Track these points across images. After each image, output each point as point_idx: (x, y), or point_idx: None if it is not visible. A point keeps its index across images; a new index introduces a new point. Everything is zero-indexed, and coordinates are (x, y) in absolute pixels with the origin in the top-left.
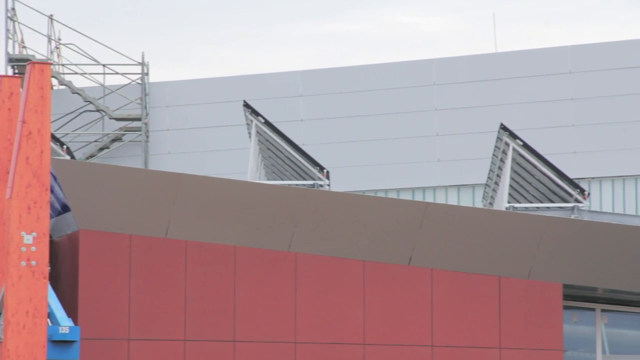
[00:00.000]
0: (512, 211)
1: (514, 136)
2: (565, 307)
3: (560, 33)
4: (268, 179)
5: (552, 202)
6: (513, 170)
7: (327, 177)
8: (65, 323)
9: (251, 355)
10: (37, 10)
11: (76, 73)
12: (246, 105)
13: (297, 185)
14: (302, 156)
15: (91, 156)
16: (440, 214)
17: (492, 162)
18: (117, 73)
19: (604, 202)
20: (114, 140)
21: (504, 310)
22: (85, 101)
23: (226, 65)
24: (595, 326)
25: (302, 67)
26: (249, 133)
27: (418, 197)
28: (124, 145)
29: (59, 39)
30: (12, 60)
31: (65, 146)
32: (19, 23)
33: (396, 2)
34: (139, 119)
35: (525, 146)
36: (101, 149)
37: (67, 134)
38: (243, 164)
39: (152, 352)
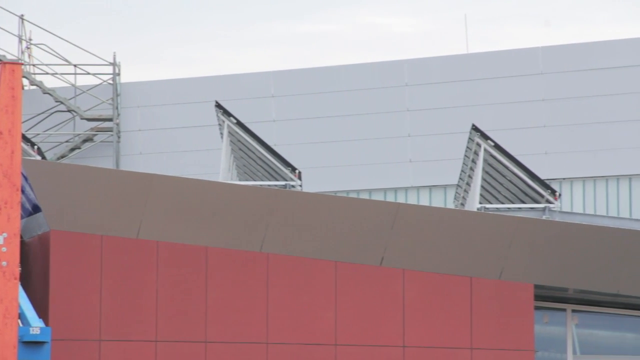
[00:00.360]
0: (484, 212)
1: (485, 137)
2: (536, 308)
3: (532, 33)
4: (240, 180)
5: (523, 202)
6: (484, 171)
7: (299, 178)
8: (36, 324)
9: (223, 356)
10: (7, 10)
11: (47, 73)
12: (218, 106)
13: (269, 185)
14: (274, 157)
15: (62, 156)
16: (412, 214)
17: (463, 163)
18: (88, 73)
19: (575, 203)
20: (85, 141)
21: (475, 311)
22: (57, 101)
23: (198, 65)
24: (566, 326)
25: (274, 68)
26: (221, 133)
27: (390, 198)
28: (95, 146)
29: (30, 39)
30: None
31: (36, 146)
32: None
33: (368, 3)
34: (110, 120)
35: (497, 147)
36: (72, 150)
37: (38, 134)
38: (215, 164)
39: (124, 353)
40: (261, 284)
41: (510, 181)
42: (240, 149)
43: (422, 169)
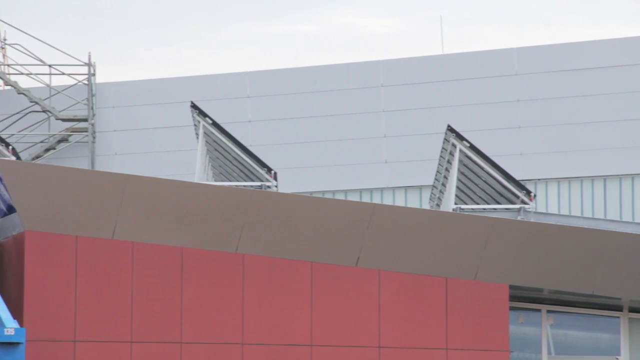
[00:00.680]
0: (459, 212)
1: (460, 138)
2: (512, 308)
3: (505, 34)
4: (216, 180)
5: (498, 203)
6: (460, 172)
7: (275, 179)
8: (10, 325)
9: (198, 357)
10: None
11: (22, 73)
12: (194, 106)
13: (244, 186)
14: (250, 157)
15: (37, 157)
16: (387, 215)
17: (439, 164)
18: (63, 74)
19: (550, 204)
20: (60, 141)
21: (451, 311)
22: (31, 102)
23: (174, 66)
24: (541, 327)
25: (249, 69)
26: (197, 134)
27: (365, 199)
28: (71, 146)
29: (4, 39)
30: None
31: (10, 147)
32: None
33: (343, 4)
34: (85, 120)
35: (472, 148)
36: (47, 150)
37: (13, 134)
38: (191, 165)
39: (98, 353)
40: (237, 284)
41: (485, 182)
42: (216, 150)
43: (397, 170)
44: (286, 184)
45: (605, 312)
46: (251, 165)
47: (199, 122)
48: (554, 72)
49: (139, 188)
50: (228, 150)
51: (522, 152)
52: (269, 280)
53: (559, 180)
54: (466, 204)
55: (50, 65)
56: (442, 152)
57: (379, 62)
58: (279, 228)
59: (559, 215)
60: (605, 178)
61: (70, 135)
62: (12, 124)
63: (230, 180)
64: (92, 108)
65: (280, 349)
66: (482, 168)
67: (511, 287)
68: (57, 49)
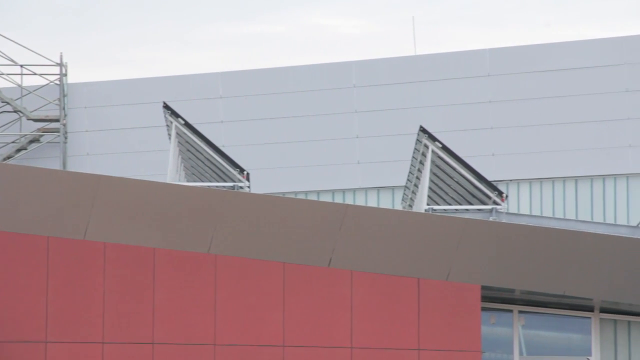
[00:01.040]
0: (431, 213)
1: (433, 138)
2: (483, 309)
3: (477, 35)
4: (188, 181)
5: (470, 204)
6: (432, 173)
7: (247, 179)
8: None
9: (170, 357)
10: None
11: None
12: (166, 107)
13: (217, 187)
14: (222, 158)
15: (8, 157)
16: (360, 215)
17: (411, 164)
18: (35, 74)
19: (522, 205)
20: (31, 142)
21: (423, 312)
22: (3, 102)
23: (146, 66)
24: (513, 327)
25: (222, 69)
26: (169, 134)
27: (338, 199)
28: (42, 147)
29: None
30: None
31: None
32: None
33: (315, 5)
34: (57, 120)
35: (445, 148)
36: (19, 150)
37: None
38: (163, 165)
39: (70, 354)
40: (209, 285)
41: (457, 182)
42: (188, 150)
43: (370, 171)
44: (258, 185)
45: (577, 312)
46: (223, 166)
47: (171, 122)
48: (526, 73)
49: (110, 189)
50: (200, 150)
51: (494, 152)
52: (241, 280)
53: (530, 181)
54: (438, 204)
55: (21, 66)
56: (414, 153)
57: (352, 63)
58: (251, 228)
59: (530, 216)
60: (576, 179)
61: (41, 135)
62: None
63: (202, 181)
64: (63, 108)
65: (253, 349)
66: (454, 169)
67: (483, 287)
68: (28, 49)
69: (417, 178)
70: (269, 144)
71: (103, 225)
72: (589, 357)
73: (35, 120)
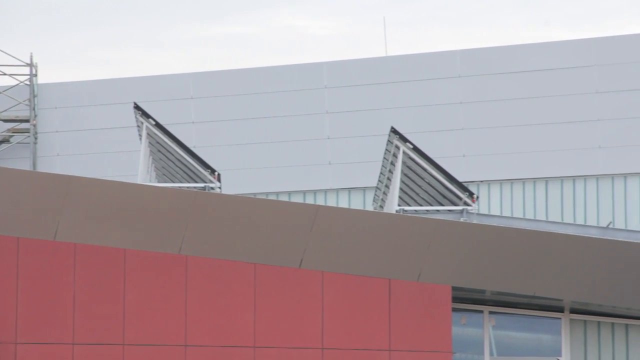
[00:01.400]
0: (402, 214)
1: (404, 139)
2: (454, 310)
3: (448, 36)
4: (159, 182)
5: (441, 205)
6: (403, 174)
7: (219, 180)
8: None
9: (141, 358)
10: None
11: None
12: (137, 107)
13: (188, 187)
14: (193, 158)
15: None
16: (331, 216)
17: (382, 165)
18: (4, 74)
19: (493, 205)
20: (1, 142)
21: (394, 313)
22: None
23: (117, 67)
24: (483, 328)
25: (193, 70)
26: (140, 135)
27: (309, 200)
28: (12, 147)
29: None
30: None
31: None
32: None
33: (285, 6)
34: (27, 121)
35: (416, 149)
36: None
37: None
38: (134, 166)
39: (40, 356)
40: (180, 286)
41: (428, 183)
42: (159, 151)
43: (341, 171)
44: (230, 186)
45: (547, 313)
46: (194, 167)
47: (142, 123)
48: (497, 75)
49: (81, 189)
50: (171, 151)
51: (465, 154)
52: (212, 281)
53: (501, 182)
54: (409, 205)
55: None
56: (385, 153)
57: (323, 64)
58: (222, 229)
59: (501, 216)
60: (547, 180)
61: (11, 136)
62: None
63: (173, 182)
64: (33, 109)
65: (224, 350)
66: (425, 170)
67: (454, 288)
68: None
69: (388, 179)
70: (240, 144)
71: (73, 226)
72: (559, 358)
73: (5, 121)
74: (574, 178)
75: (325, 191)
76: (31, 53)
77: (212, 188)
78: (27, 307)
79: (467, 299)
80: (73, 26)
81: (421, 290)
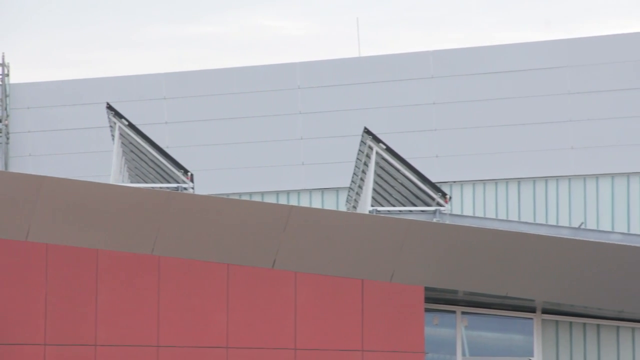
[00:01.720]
0: (375, 215)
1: (377, 140)
2: (427, 310)
3: (421, 37)
4: (131, 182)
5: (414, 205)
6: (376, 174)
7: (191, 180)
8: None
9: (113, 359)
10: None
11: None
12: (109, 108)
13: (160, 188)
14: (166, 159)
15: None
16: (304, 217)
17: (356, 166)
18: None
19: (465, 206)
20: None
21: (367, 313)
22: None
23: (88, 67)
24: (456, 328)
25: (165, 70)
26: (112, 135)
27: (282, 201)
28: None
29: None
30: None
31: None
32: None
33: (258, 6)
34: None
35: (389, 150)
36: None
37: None
38: (106, 166)
39: (11, 356)
40: (152, 286)
41: (401, 184)
42: (132, 151)
43: (314, 172)
44: (202, 186)
45: (519, 313)
46: (167, 167)
47: (114, 123)
48: (469, 75)
49: (53, 190)
50: (144, 151)
51: (438, 154)
52: (185, 282)
53: (474, 182)
54: (382, 206)
55: None
56: (358, 154)
57: (296, 64)
58: (195, 230)
59: (474, 217)
60: (519, 181)
61: None
62: None
63: (146, 182)
64: (5, 109)
65: (196, 351)
66: (398, 170)
67: (426, 289)
68: None
69: (362, 179)
70: (213, 145)
71: (45, 227)
72: (531, 358)
73: None
74: (546, 179)
75: (299, 192)
76: (3, 53)
77: (185, 188)
78: None
79: (439, 299)
80: (46, 26)
81: (394, 290)
